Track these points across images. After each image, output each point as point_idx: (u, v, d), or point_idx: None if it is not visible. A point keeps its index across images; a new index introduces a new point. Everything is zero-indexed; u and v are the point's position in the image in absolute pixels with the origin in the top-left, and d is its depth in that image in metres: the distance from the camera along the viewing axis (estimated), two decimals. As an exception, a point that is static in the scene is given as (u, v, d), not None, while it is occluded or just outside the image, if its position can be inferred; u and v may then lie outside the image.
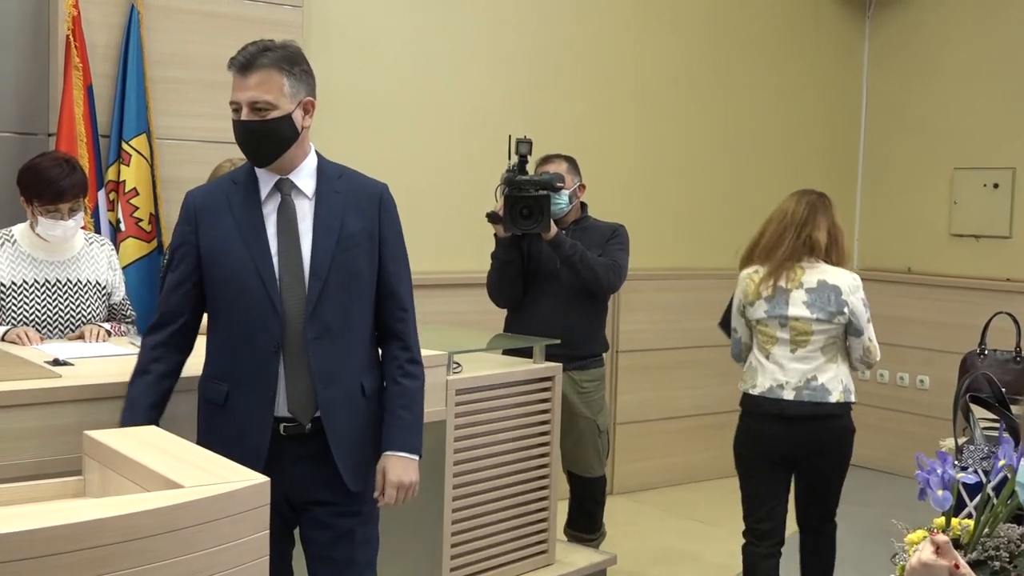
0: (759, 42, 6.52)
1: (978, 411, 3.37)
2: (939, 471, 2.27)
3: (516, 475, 3.75)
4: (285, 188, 2.67)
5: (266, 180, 2.68)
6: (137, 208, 4.20)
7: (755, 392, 3.72)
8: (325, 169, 2.74)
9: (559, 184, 4.13)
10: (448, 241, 5.36)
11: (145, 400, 2.66)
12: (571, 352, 4.17)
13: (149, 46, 4.26)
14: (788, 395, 3.64)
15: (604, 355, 4.41)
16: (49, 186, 3.40)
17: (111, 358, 3.18)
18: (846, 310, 3.65)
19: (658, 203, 6.11)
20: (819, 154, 6.85)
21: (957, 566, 1.88)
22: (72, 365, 2.98)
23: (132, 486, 2.07)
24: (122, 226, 4.18)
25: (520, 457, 3.77)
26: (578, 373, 4.25)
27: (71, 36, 4.06)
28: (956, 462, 2.44)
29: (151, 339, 2.72)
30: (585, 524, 4.42)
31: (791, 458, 3.72)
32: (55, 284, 3.51)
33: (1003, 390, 3.39)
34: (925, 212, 6.64)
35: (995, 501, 2.22)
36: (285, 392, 2.64)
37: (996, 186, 6.25)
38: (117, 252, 4.05)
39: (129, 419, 2.60)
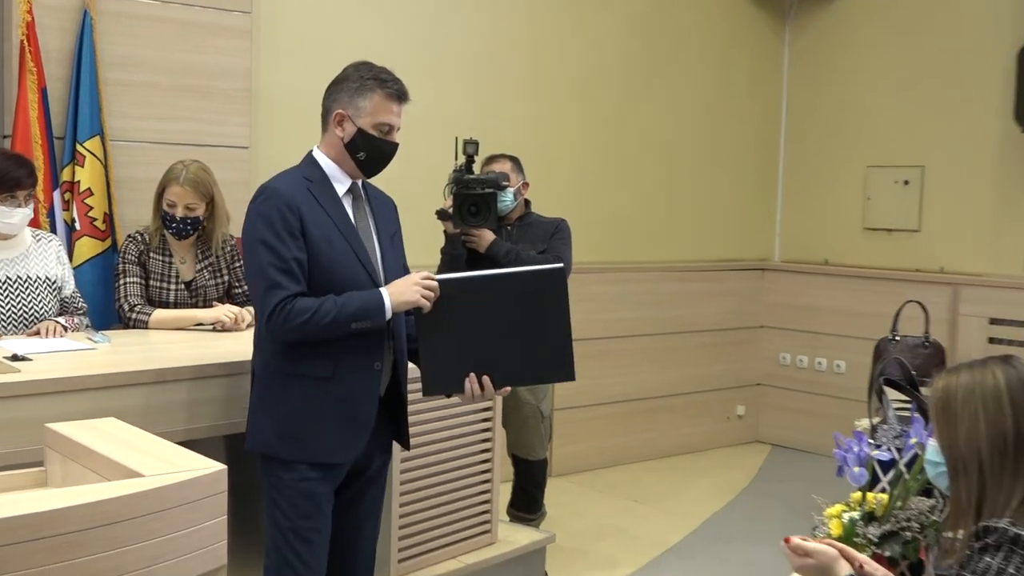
0: (690, 46, 6.62)
1: (891, 393, 3.50)
2: (855, 449, 2.44)
3: (460, 459, 3.83)
4: (356, 191, 2.96)
5: (342, 182, 2.92)
6: (92, 208, 4.22)
7: None
8: None
9: (504, 182, 4.24)
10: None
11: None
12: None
13: (102, 50, 4.27)
14: None
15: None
16: (2, 176, 3.48)
17: (68, 352, 3.24)
18: None
19: (592, 199, 6.17)
20: (744, 153, 6.97)
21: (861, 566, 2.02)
22: (31, 360, 3.04)
23: (93, 476, 2.11)
24: (77, 225, 4.19)
25: (464, 443, 3.84)
26: (523, 362, 4.40)
27: (25, 41, 4.08)
28: (871, 441, 2.55)
29: (285, 293, 2.73)
30: (527, 505, 4.56)
31: None
32: (5, 281, 3.55)
33: (913, 373, 3.48)
34: (841, 207, 6.78)
35: (907, 476, 2.39)
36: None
37: (907, 183, 6.42)
38: (72, 251, 4.12)
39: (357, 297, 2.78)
